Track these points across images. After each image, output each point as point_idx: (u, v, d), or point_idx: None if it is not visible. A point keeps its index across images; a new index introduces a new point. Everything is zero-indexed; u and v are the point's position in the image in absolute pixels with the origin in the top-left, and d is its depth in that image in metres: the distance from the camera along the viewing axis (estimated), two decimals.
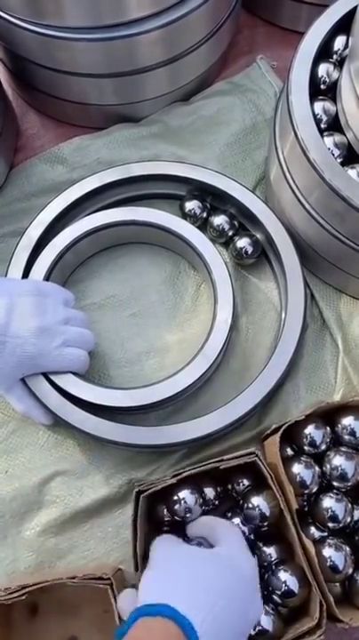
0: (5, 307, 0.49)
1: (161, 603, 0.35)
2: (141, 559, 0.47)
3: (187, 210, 0.63)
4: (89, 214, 0.61)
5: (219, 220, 0.62)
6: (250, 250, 0.61)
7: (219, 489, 0.52)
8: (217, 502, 0.52)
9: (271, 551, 0.50)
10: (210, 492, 0.51)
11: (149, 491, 0.48)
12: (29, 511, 0.54)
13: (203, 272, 0.60)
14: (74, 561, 0.52)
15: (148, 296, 0.62)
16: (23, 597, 0.45)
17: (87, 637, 0.49)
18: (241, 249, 0.61)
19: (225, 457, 0.49)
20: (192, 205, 0.63)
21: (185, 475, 0.48)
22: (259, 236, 0.61)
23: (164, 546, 0.44)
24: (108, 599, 0.45)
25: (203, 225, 0.63)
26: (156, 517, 0.51)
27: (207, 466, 0.49)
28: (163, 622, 0.34)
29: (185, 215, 0.63)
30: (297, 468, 0.50)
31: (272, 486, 0.48)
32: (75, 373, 0.53)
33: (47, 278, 0.57)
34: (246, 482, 0.51)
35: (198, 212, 0.63)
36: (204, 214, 0.63)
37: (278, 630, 0.47)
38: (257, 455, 0.48)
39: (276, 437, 0.49)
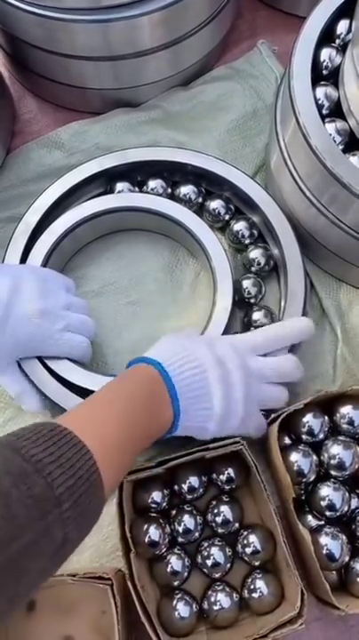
0: (9, 286, 0.49)
1: (142, 357, 0.46)
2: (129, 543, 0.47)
3: (182, 195, 0.62)
4: (87, 200, 0.60)
5: (215, 205, 0.62)
6: (246, 233, 0.60)
7: (204, 478, 0.52)
8: (202, 491, 0.52)
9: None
10: (195, 481, 0.51)
11: (133, 476, 0.48)
12: None
13: (202, 259, 0.59)
14: None
15: (147, 284, 0.62)
16: None
17: (83, 637, 0.49)
18: (237, 232, 0.60)
19: (210, 445, 0.49)
20: (187, 190, 0.62)
21: (171, 464, 0.49)
22: (255, 219, 0.61)
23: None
24: (107, 600, 0.44)
25: (199, 210, 0.63)
26: (143, 504, 0.51)
27: (193, 455, 0.49)
28: (143, 366, 0.45)
29: (179, 200, 0.62)
30: (295, 457, 0.50)
31: (256, 476, 0.48)
32: (72, 360, 0.52)
33: (45, 264, 0.56)
34: (231, 472, 0.52)
35: (193, 197, 0.62)
36: (200, 199, 0.62)
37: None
38: (242, 444, 0.48)
39: (274, 426, 0.49)
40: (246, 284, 0.59)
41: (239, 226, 0.61)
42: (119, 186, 0.62)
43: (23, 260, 0.57)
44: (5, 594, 0.30)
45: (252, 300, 0.59)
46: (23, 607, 0.49)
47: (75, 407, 0.42)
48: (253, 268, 0.60)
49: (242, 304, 0.59)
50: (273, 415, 0.51)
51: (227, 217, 0.62)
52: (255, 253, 0.60)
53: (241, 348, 0.49)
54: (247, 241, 0.61)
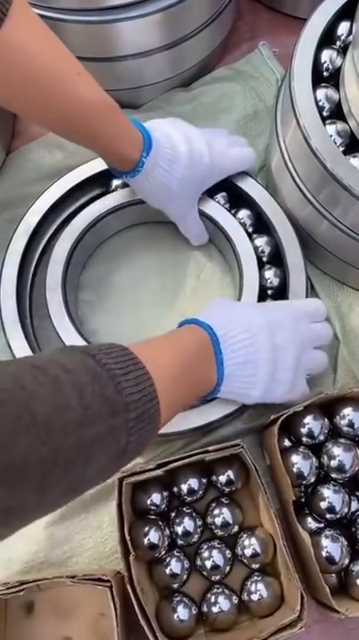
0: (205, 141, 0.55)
1: (194, 318, 0.48)
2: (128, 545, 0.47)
3: None
4: (87, 201, 0.60)
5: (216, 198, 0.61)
6: (249, 222, 0.60)
7: (203, 480, 0.52)
8: (201, 493, 0.52)
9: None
10: (194, 484, 0.51)
11: (132, 479, 0.48)
12: None
13: (223, 244, 0.60)
14: (69, 550, 0.52)
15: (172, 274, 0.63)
16: (21, 593, 0.45)
17: (82, 639, 0.49)
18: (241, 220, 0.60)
19: (210, 448, 0.49)
20: None
21: (171, 466, 0.48)
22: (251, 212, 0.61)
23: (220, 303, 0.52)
24: (106, 602, 0.44)
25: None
26: (142, 507, 0.51)
27: (192, 457, 0.49)
28: (195, 327, 0.47)
29: None
30: (295, 459, 0.50)
31: (256, 478, 0.48)
32: None
33: (70, 258, 0.57)
34: (231, 474, 0.51)
35: None
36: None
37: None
38: (242, 447, 0.48)
39: (275, 428, 0.49)
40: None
41: (242, 214, 0.60)
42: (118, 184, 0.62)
43: (22, 261, 0.56)
44: (74, 472, 0.31)
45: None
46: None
47: (136, 344, 0.42)
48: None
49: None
50: (272, 417, 0.51)
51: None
52: (259, 242, 0.59)
53: (297, 313, 0.50)
54: (250, 229, 0.60)
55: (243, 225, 0.59)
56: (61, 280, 0.55)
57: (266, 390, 0.48)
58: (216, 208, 0.59)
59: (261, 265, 0.58)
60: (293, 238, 0.57)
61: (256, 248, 0.59)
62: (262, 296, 0.57)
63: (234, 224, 0.58)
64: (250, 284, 0.56)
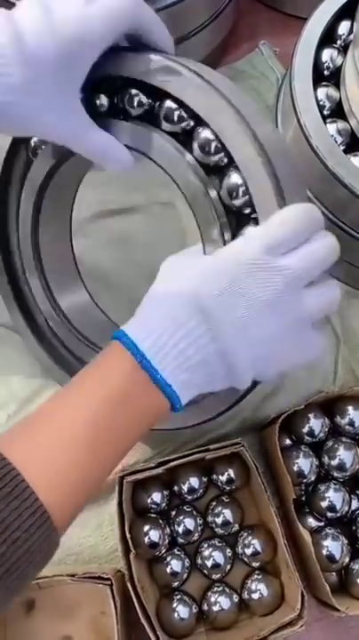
0: None
1: (121, 331, 0.34)
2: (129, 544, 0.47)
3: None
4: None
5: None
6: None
7: (204, 479, 0.52)
8: (202, 492, 0.52)
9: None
10: (195, 482, 0.51)
11: (133, 477, 0.48)
12: None
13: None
14: (69, 547, 0.52)
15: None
16: None
17: (82, 638, 0.49)
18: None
19: (211, 447, 0.49)
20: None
21: (171, 465, 0.48)
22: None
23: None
24: (106, 600, 0.44)
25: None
26: (142, 505, 0.51)
27: (193, 456, 0.48)
28: (116, 348, 0.34)
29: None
30: (295, 458, 0.50)
31: (257, 477, 0.48)
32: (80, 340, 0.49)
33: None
34: (232, 472, 0.51)
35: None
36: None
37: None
38: (243, 445, 0.48)
39: (275, 427, 0.49)
40: None
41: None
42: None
43: None
44: None
45: None
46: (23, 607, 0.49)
47: (24, 421, 0.32)
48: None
49: None
50: (273, 415, 0.51)
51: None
52: None
53: (250, 255, 0.33)
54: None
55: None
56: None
57: (255, 372, 0.35)
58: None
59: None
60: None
61: None
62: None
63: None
64: None
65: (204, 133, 0.37)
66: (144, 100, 0.39)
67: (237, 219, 0.38)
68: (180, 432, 0.52)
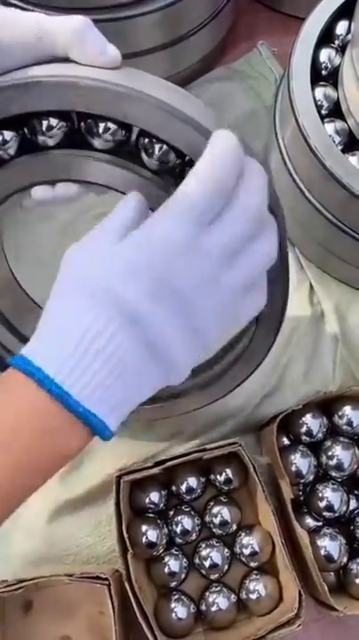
0: None
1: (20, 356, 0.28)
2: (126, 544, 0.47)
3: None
4: None
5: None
6: None
7: (202, 479, 0.52)
8: (200, 492, 0.52)
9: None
10: (193, 482, 0.51)
11: (130, 477, 0.48)
12: None
13: None
14: (67, 547, 0.52)
15: None
16: (19, 591, 0.45)
17: (80, 638, 0.49)
18: None
19: (208, 446, 0.49)
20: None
21: (169, 464, 0.48)
22: None
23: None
24: (104, 600, 0.44)
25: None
26: (140, 505, 0.51)
27: (190, 455, 0.48)
28: (15, 378, 0.28)
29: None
30: (293, 458, 0.50)
31: (254, 477, 0.48)
32: None
33: None
34: (229, 472, 0.51)
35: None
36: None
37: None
38: (240, 445, 0.48)
39: (273, 426, 0.49)
40: None
41: None
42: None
43: None
44: None
45: None
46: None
47: None
48: None
49: None
50: (271, 416, 0.51)
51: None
52: None
53: (174, 236, 0.27)
54: None
55: None
56: None
57: (196, 362, 0.31)
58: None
59: None
60: None
61: None
62: None
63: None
64: None
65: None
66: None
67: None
68: (200, 412, 0.50)
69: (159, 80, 0.33)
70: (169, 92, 0.31)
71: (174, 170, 0.32)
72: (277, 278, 0.35)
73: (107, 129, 0.32)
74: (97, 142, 0.32)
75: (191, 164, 0.28)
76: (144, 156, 0.32)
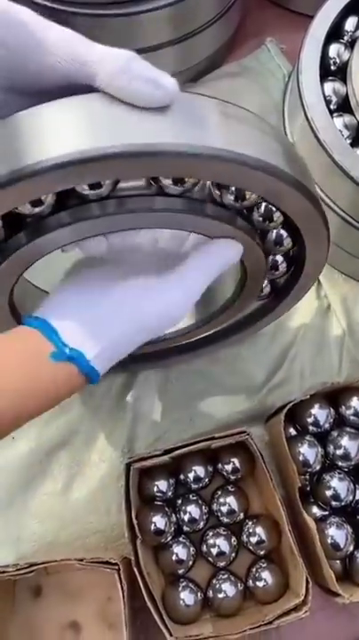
0: None
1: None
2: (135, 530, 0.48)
3: None
4: None
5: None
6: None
7: (209, 468, 0.53)
8: (207, 481, 0.52)
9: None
10: (200, 471, 0.52)
11: (139, 464, 0.49)
12: (35, 479, 0.54)
13: None
14: (76, 531, 0.53)
15: None
16: (30, 575, 0.45)
17: (88, 623, 0.50)
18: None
19: (216, 435, 0.49)
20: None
21: (177, 453, 0.49)
22: None
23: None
24: (113, 586, 0.45)
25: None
26: (149, 493, 0.52)
27: (198, 444, 0.49)
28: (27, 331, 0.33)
29: None
30: (300, 447, 0.50)
31: (262, 466, 0.49)
32: None
33: None
34: (237, 462, 0.52)
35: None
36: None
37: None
38: (248, 434, 0.49)
39: (281, 417, 0.50)
40: None
41: None
42: None
43: None
44: None
45: None
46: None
47: None
48: None
49: None
50: (278, 406, 0.51)
51: None
52: None
53: None
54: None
55: None
56: None
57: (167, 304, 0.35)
58: None
59: None
60: None
61: None
62: None
63: None
64: None
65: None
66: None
67: None
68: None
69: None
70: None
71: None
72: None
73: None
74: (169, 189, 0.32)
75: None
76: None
